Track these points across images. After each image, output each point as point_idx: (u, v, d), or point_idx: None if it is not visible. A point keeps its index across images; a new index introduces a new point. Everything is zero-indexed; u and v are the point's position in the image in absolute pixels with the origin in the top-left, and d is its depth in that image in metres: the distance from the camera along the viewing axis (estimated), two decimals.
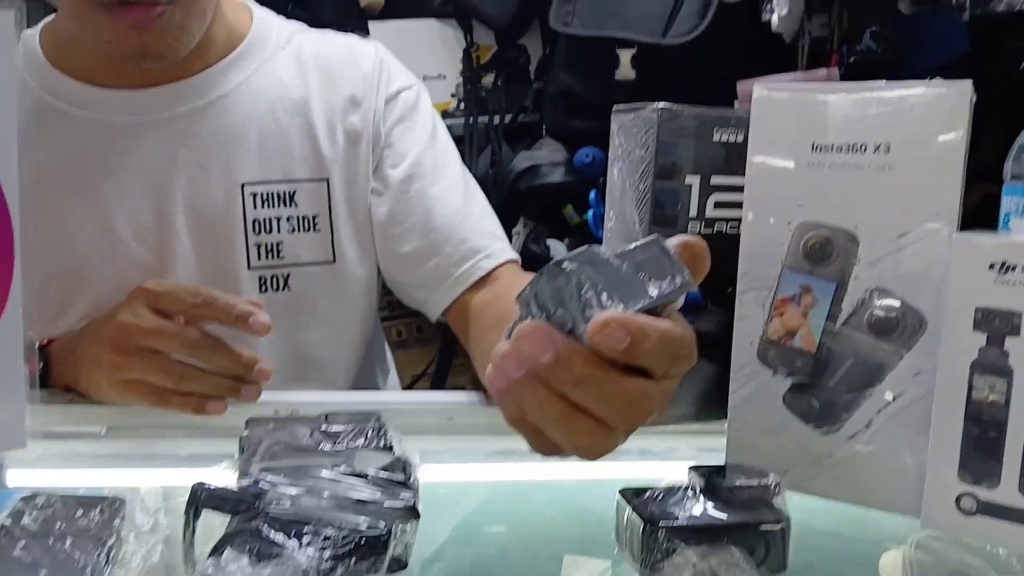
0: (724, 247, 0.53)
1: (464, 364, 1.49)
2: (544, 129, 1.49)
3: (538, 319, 0.38)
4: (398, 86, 0.85)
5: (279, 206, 0.80)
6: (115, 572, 0.41)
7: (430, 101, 0.89)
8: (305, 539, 0.38)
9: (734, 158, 0.55)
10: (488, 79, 1.55)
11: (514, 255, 0.84)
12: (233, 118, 0.79)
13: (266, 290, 0.80)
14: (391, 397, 0.90)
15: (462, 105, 1.54)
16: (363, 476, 0.43)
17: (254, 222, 0.79)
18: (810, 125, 0.50)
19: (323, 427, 0.49)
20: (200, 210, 0.78)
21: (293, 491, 0.41)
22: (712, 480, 0.46)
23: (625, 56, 1.31)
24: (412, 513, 0.41)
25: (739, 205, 0.53)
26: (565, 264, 0.37)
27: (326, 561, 0.37)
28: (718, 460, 0.54)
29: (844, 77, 1.20)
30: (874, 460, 0.49)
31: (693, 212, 0.56)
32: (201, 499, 0.41)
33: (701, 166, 0.56)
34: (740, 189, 0.53)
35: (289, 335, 0.81)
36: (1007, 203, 0.56)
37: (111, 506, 0.44)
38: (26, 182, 0.47)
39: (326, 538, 0.38)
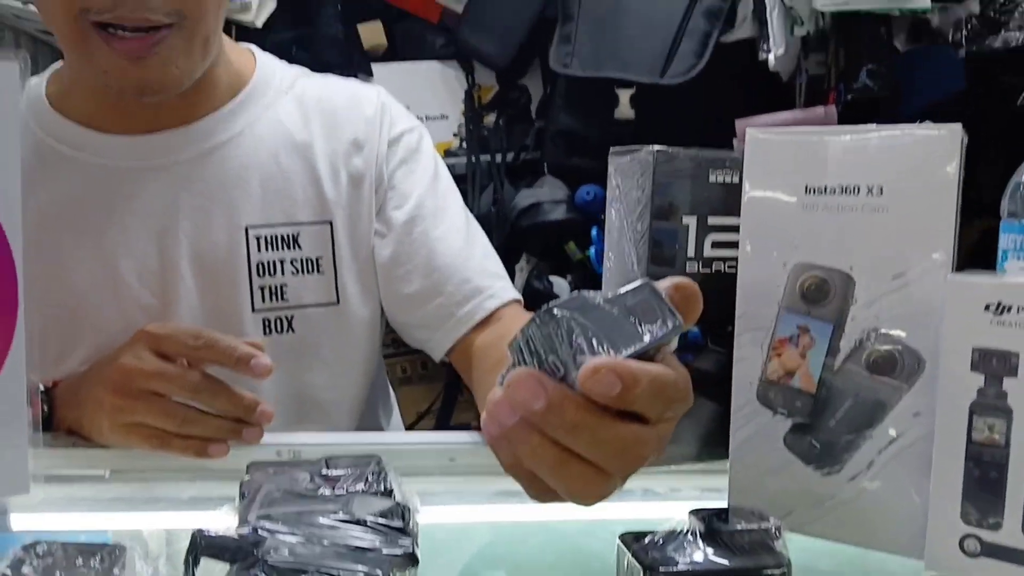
0: (723, 287, 0.54)
1: (469, 400, 1.49)
2: (545, 167, 1.51)
3: (530, 365, 0.38)
4: (400, 129, 0.86)
5: (283, 249, 0.81)
6: None
7: (432, 143, 0.90)
8: None
9: (731, 199, 0.55)
10: (490, 119, 1.57)
11: (517, 295, 0.84)
12: (236, 162, 0.80)
13: (270, 332, 0.80)
14: (393, 438, 0.90)
15: (464, 144, 1.56)
16: (362, 523, 0.42)
17: (258, 265, 0.80)
18: (803, 168, 0.50)
19: (323, 471, 0.49)
20: (204, 253, 0.79)
21: (292, 539, 0.41)
22: (712, 524, 0.45)
23: (624, 96, 1.33)
24: (411, 560, 0.41)
25: (737, 245, 0.54)
26: (555, 310, 0.37)
27: None
28: (721, 500, 0.54)
29: (842, 114, 1.21)
30: (876, 501, 0.49)
31: (691, 252, 0.57)
32: (201, 547, 0.41)
33: (698, 207, 0.56)
34: (737, 229, 0.54)
35: (292, 377, 0.81)
36: (1004, 240, 0.56)
37: (111, 554, 0.44)
38: (29, 225, 0.47)
39: None
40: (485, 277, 0.83)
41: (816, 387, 0.50)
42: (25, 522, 0.58)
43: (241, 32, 1.40)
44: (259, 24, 1.43)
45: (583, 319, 0.37)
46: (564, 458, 0.37)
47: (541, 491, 0.39)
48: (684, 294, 0.39)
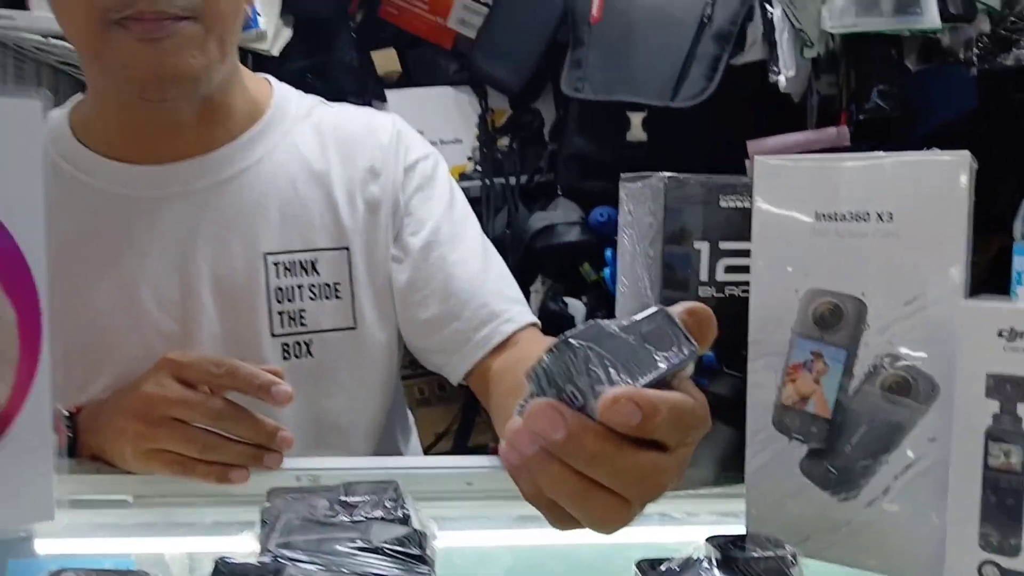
0: (736, 311, 0.54)
1: (486, 422, 1.49)
2: (559, 189, 1.52)
3: (548, 395, 0.38)
4: (416, 156, 0.88)
5: (301, 274, 0.82)
6: None
7: (447, 170, 0.91)
8: None
9: (743, 223, 0.56)
10: (503, 142, 1.58)
11: (533, 319, 0.85)
12: (255, 190, 0.81)
13: (289, 357, 0.81)
14: (410, 463, 0.90)
15: (478, 168, 1.58)
16: (380, 551, 0.43)
17: (277, 290, 0.81)
18: (813, 194, 0.51)
19: (342, 498, 0.50)
20: (223, 280, 0.80)
21: (311, 567, 0.41)
22: (728, 551, 0.45)
23: (636, 119, 1.34)
24: None
25: (749, 269, 0.54)
26: (572, 340, 0.38)
27: None
28: (738, 525, 0.54)
29: (854, 135, 1.21)
30: (893, 527, 0.49)
31: (704, 277, 0.57)
32: (223, 575, 0.41)
33: (709, 232, 0.57)
34: (750, 254, 0.54)
35: (311, 401, 0.82)
36: (1018, 263, 0.56)
37: None
38: (51, 253, 0.48)
39: None
40: (502, 301, 0.83)
41: (831, 412, 0.50)
42: (49, 547, 0.58)
43: (257, 60, 1.42)
44: (275, 52, 1.46)
45: (600, 348, 0.37)
46: (585, 487, 0.37)
47: (562, 519, 0.40)
48: (698, 319, 0.40)
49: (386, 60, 1.60)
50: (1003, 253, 0.60)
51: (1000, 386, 0.44)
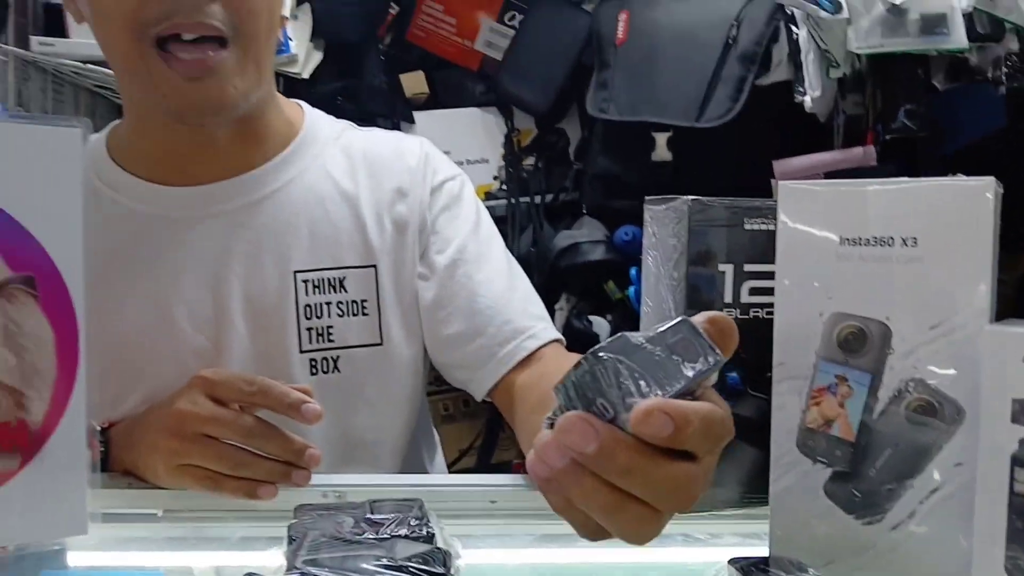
0: (761, 333, 0.55)
1: (510, 437, 1.49)
2: (584, 208, 1.52)
3: (578, 408, 0.38)
4: (443, 177, 0.89)
5: (329, 292, 0.83)
6: None
7: (473, 191, 0.92)
8: None
9: (767, 246, 0.56)
10: (529, 161, 1.60)
11: (558, 335, 0.85)
12: (287, 210, 0.83)
13: (316, 372, 0.82)
14: (434, 480, 0.91)
15: (504, 187, 1.59)
16: (404, 569, 0.44)
17: (306, 307, 0.82)
18: (837, 218, 0.51)
19: (367, 515, 0.51)
20: (255, 298, 0.81)
21: None
22: (751, 573, 0.45)
23: (661, 139, 1.35)
24: None
25: (774, 291, 0.55)
26: (601, 353, 0.38)
27: None
28: (761, 546, 0.54)
29: (881, 155, 1.21)
30: (918, 551, 0.49)
31: (728, 298, 0.58)
32: None
33: (733, 254, 0.57)
34: (774, 276, 0.55)
35: (338, 418, 0.83)
36: None
37: None
38: (87, 272, 0.50)
39: None
40: (526, 318, 0.84)
41: (856, 436, 0.50)
42: (80, 560, 0.60)
43: (289, 84, 1.45)
44: (306, 75, 1.48)
45: (628, 360, 0.38)
46: (617, 499, 0.38)
47: (593, 531, 0.40)
48: (719, 328, 0.40)
49: (414, 82, 1.63)
50: None
51: None
